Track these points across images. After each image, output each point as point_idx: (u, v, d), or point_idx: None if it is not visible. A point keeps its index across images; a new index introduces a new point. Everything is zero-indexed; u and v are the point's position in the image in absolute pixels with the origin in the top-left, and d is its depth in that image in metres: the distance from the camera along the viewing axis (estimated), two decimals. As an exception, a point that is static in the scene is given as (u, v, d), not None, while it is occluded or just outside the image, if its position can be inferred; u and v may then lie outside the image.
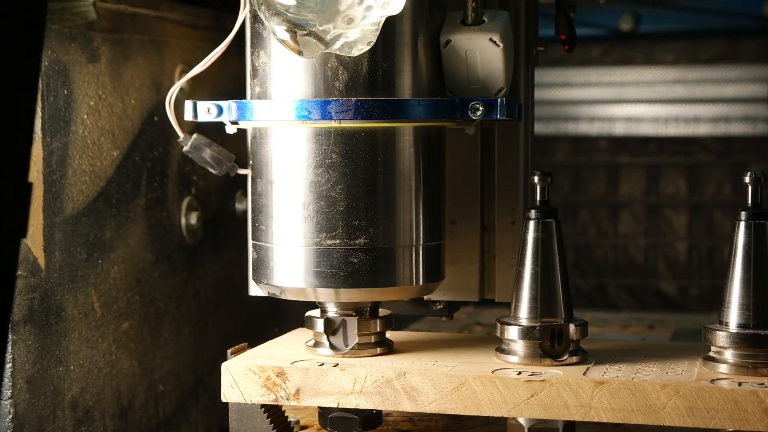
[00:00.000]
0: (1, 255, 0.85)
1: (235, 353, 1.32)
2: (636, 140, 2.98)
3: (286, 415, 1.35)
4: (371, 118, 1.23)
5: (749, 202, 1.23)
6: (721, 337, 1.22)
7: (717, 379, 1.19)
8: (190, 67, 1.59)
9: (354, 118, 1.23)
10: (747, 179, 1.23)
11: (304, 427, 1.39)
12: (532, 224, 1.27)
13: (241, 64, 1.63)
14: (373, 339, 1.33)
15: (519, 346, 1.27)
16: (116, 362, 1.44)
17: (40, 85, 1.28)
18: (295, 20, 1.17)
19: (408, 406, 1.23)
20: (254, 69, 1.31)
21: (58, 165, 1.33)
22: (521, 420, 1.23)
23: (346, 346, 1.31)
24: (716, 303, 1.28)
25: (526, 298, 1.27)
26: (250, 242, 1.35)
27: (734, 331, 1.21)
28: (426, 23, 1.28)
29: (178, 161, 1.58)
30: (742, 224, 1.23)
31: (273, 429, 1.29)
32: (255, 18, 1.30)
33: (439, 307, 1.48)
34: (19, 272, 1.27)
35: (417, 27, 1.27)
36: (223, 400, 1.29)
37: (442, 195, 1.33)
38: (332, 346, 1.31)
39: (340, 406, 1.25)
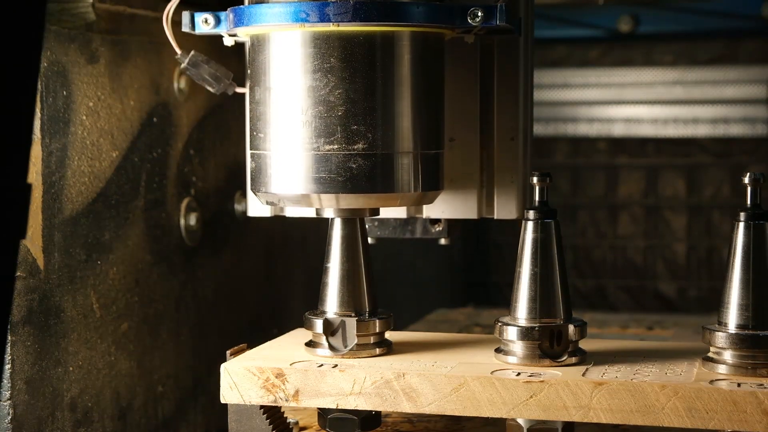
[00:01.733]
0: (1, 256, 0.85)
1: (234, 354, 1.32)
2: (635, 141, 2.98)
3: (285, 416, 1.35)
4: (370, 20, 1.22)
5: (748, 203, 1.24)
6: (720, 338, 1.22)
7: (716, 380, 1.19)
8: (189, 68, 1.59)
9: (353, 20, 1.21)
10: (746, 180, 1.23)
11: (304, 428, 1.39)
12: (531, 225, 1.27)
13: (240, 65, 1.63)
14: (372, 340, 1.33)
15: (518, 347, 1.27)
16: (115, 363, 1.44)
17: (39, 86, 1.28)
18: None
19: (407, 407, 1.23)
20: None
21: (58, 166, 1.33)
22: (520, 421, 1.23)
23: (345, 347, 1.31)
24: (715, 304, 1.28)
25: (525, 299, 1.27)
26: (249, 153, 1.33)
27: (733, 331, 1.22)
28: None
29: (177, 162, 1.58)
30: (741, 225, 1.23)
31: (272, 430, 1.29)
32: None
33: (437, 228, 1.46)
34: (18, 273, 1.27)
35: None
36: (222, 401, 1.29)
37: (441, 104, 1.32)
38: (331, 347, 1.31)
39: (339, 407, 1.25)
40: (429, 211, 1.44)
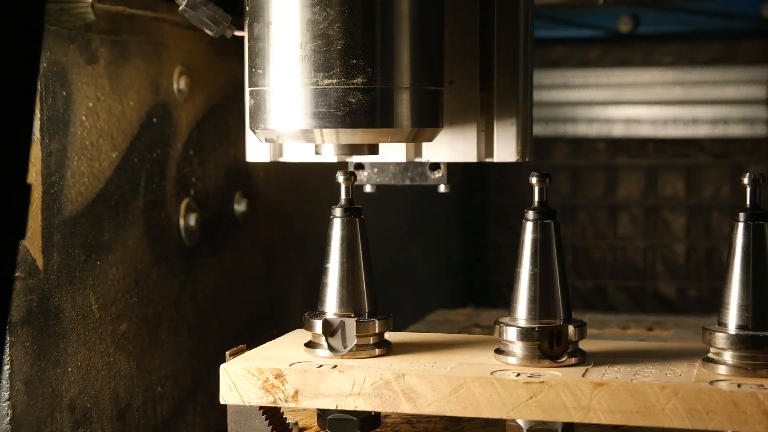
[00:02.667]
0: (0, 256, 0.84)
1: (234, 355, 1.32)
2: (634, 142, 2.98)
3: (284, 417, 1.35)
4: None
5: (748, 203, 1.23)
6: (720, 339, 1.22)
7: (716, 381, 1.19)
8: (189, 69, 1.60)
9: None
10: (745, 180, 1.23)
11: (303, 429, 1.39)
12: (530, 225, 1.27)
13: (239, 65, 1.63)
14: (371, 340, 1.33)
15: (518, 348, 1.27)
16: (114, 364, 1.44)
17: (38, 87, 1.28)
18: None
19: (407, 408, 1.23)
20: None
21: (57, 166, 1.33)
22: (520, 422, 1.23)
23: (345, 347, 1.31)
24: (715, 304, 1.28)
25: (525, 300, 1.27)
26: (247, 91, 1.32)
27: (733, 332, 1.21)
28: None
29: (176, 163, 1.58)
30: (741, 225, 1.23)
31: (271, 431, 1.29)
32: None
33: (437, 175, 1.44)
34: (17, 274, 1.27)
35: None
36: (222, 402, 1.29)
37: (441, 40, 1.31)
38: (331, 348, 1.31)
39: (339, 408, 1.25)
40: (428, 154, 1.43)
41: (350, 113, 1.23)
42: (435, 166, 1.45)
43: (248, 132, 1.45)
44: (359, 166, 1.47)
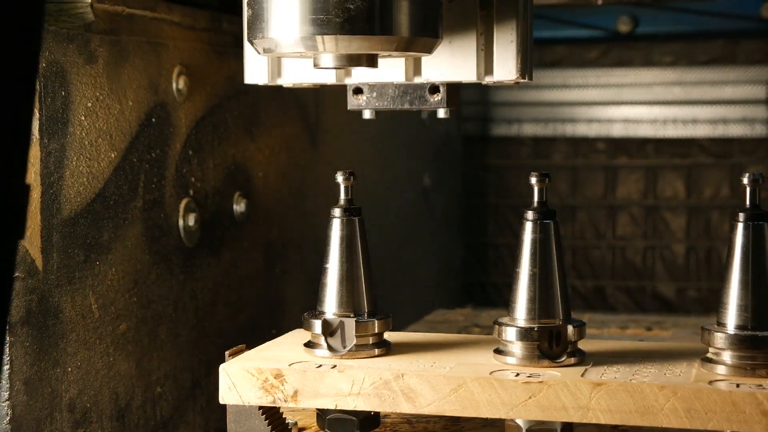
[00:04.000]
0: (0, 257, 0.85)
1: (233, 355, 1.32)
2: (634, 142, 2.98)
3: (284, 416, 1.35)
4: None
5: (747, 203, 1.23)
6: (719, 339, 1.22)
7: (715, 381, 1.19)
8: (188, 69, 1.60)
9: None
10: (745, 180, 1.23)
11: (303, 429, 1.39)
12: (530, 225, 1.27)
13: (239, 65, 1.62)
14: (371, 340, 1.33)
15: (517, 348, 1.27)
16: (114, 364, 1.44)
17: (37, 87, 1.28)
18: None
19: (406, 408, 1.23)
20: None
21: (56, 166, 1.33)
22: (519, 421, 1.23)
23: (344, 347, 1.31)
24: (714, 305, 1.28)
25: (524, 300, 1.27)
26: (245, 2, 1.30)
27: (732, 332, 1.21)
28: None
29: (175, 163, 1.58)
30: (741, 225, 1.23)
31: (271, 431, 1.29)
32: None
33: (436, 98, 1.41)
34: (17, 274, 1.27)
35: None
36: (221, 402, 1.29)
37: None
38: (330, 348, 1.31)
39: (338, 408, 1.25)
40: (427, 73, 1.40)
41: (349, 20, 1.21)
42: (434, 89, 1.41)
43: (246, 51, 1.43)
44: (358, 90, 1.44)
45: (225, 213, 1.71)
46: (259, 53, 1.30)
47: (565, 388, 1.18)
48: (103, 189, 1.42)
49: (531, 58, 1.41)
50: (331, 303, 1.33)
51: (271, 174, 1.84)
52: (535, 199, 1.28)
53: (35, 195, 1.30)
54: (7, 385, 1.26)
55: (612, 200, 3.01)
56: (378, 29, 1.23)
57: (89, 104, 1.39)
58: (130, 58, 1.47)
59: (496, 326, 1.28)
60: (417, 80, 1.41)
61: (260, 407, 1.28)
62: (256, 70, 1.44)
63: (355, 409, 1.25)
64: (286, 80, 1.44)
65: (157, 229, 1.53)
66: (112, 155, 1.44)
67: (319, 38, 1.23)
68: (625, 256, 3.02)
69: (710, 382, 1.18)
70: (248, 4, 1.28)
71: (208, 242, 1.66)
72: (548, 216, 1.27)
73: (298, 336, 1.42)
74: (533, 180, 1.28)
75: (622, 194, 3.00)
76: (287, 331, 1.47)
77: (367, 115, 1.46)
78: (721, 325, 1.23)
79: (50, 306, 1.32)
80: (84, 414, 1.38)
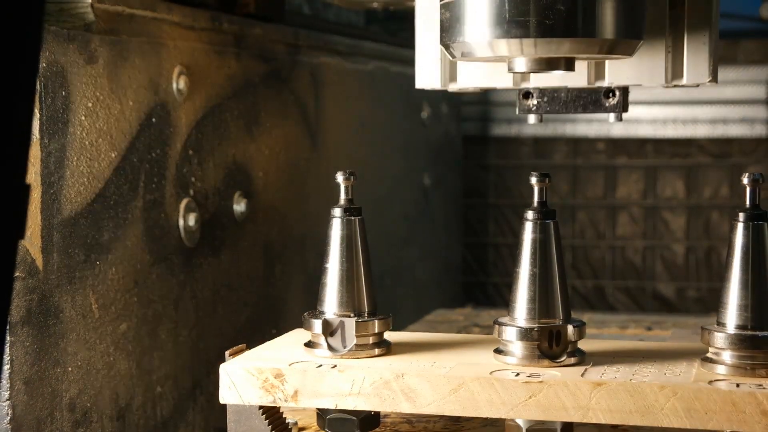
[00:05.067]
0: (0, 257, 0.85)
1: (233, 355, 1.32)
2: (634, 142, 2.98)
3: (284, 416, 1.35)
4: None
5: (747, 203, 1.24)
6: (719, 339, 1.22)
7: (715, 381, 1.19)
8: (189, 69, 1.60)
9: None
10: (745, 180, 1.23)
11: (303, 429, 1.39)
12: (530, 225, 1.27)
13: (239, 65, 1.63)
14: (371, 340, 1.33)
15: (517, 348, 1.27)
16: (114, 364, 1.44)
17: (38, 87, 1.28)
18: None
19: (406, 408, 1.23)
20: None
21: (56, 167, 1.33)
22: (519, 421, 1.23)
23: (344, 347, 1.31)
24: (714, 304, 1.28)
25: (524, 300, 1.27)
26: (440, 4, 1.26)
27: (732, 332, 1.21)
28: None
29: (176, 163, 1.58)
30: (740, 225, 1.23)
31: (271, 430, 1.29)
32: None
33: (612, 102, 1.37)
34: (17, 274, 1.27)
35: None
36: (221, 401, 1.29)
37: None
38: (330, 348, 1.31)
39: (339, 408, 1.25)
40: (611, 77, 1.35)
41: (550, 22, 1.17)
42: (609, 93, 1.37)
43: (418, 56, 1.39)
44: (527, 95, 1.39)
45: (225, 213, 1.72)
46: (453, 58, 1.27)
47: (565, 388, 1.18)
48: (104, 189, 1.42)
49: (717, 59, 1.36)
50: (331, 303, 1.33)
51: (271, 174, 1.85)
52: (535, 199, 1.28)
53: (35, 195, 1.30)
54: (8, 385, 1.26)
55: (612, 200, 3.01)
56: (580, 31, 1.19)
57: (89, 104, 1.39)
58: (131, 58, 1.47)
59: (496, 326, 1.28)
60: (599, 84, 1.37)
61: (260, 407, 1.28)
62: (428, 75, 1.42)
63: (355, 408, 1.25)
64: (461, 85, 1.41)
65: (157, 229, 1.53)
66: (113, 155, 1.44)
67: (517, 41, 1.19)
68: (624, 256, 3.02)
69: (710, 382, 1.18)
70: (444, 6, 1.25)
71: (208, 242, 1.66)
72: (548, 216, 1.27)
73: (298, 336, 1.42)
74: (533, 180, 1.28)
75: (622, 194, 3.01)
76: (287, 331, 1.47)
77: (532, 120, 1.41)
78: (721, 324, 1.23)
79: (50, 306, 1.32)
80: (84, 414, 1.38)
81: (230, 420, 1.29)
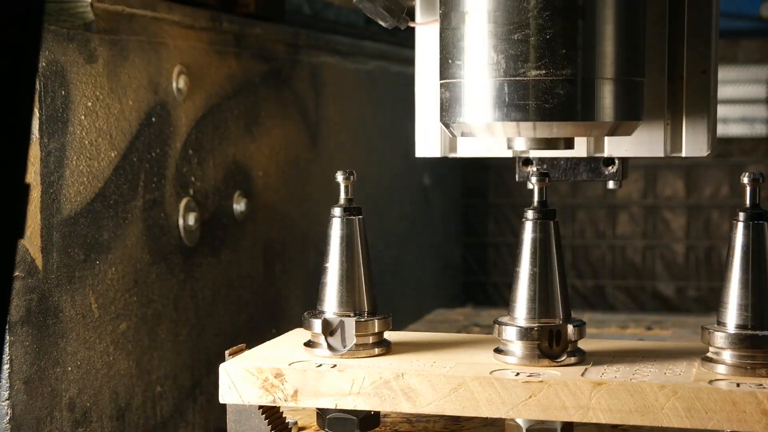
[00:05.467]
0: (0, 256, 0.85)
1: (233, 354, 1.32)
2: (634, 141, 2.98)
3: (284, 416, 1.35)
4: None
5: (747, 202, 1.23)
6: (719, 338, 1.22)
7: (715, 380, 1.19)
8: (188, 68, 1.60)
9: None
10: (745, 180, 1.23)
11: (303, 428, 1.39)
12: (530, 225, 1.27)
13: (238, 65, 1.63)
14: (371, 340, 1.33)
15: (517, 347, 1.27)
16: (114, 363, 1.44)
17: (37, 86, 1.28)
18: None
19: (406, 407, 1.23)
20: None
21: (56, 166, 1.33)
22: (519, 421, 1.23)
23: (344, 347, 1.31)
24: (714, 304, 1.28)
25: (524, 299, 1.27)
26: (439, 83, 1.29)
27: (732, 331, 1.21)
28: None
29: (176, 162, 1.58)
30: (741, 225, 1.23)
31: (271, 430, 1.29)
32: None
33: (611, 170, 1.39)
34: (16, 273, 1.27)
35: None
36: (221, 401, 1.29)
37: (643, 28, 1.27)
38: (330, 347, 1.31)
39: (338, 407, 1.25)
40: (610, 149, 1.36)
41: (556, 105, 1.19)
42: (609, 161, 1.39)
43: (418, 124, 1.41)
44: (527, 162, 1.41)
45: (225, 212, 1.71)
46: (452, 135, 1.28)
47: (565, 388, 1.18)
48: (103, 188, 1.42)
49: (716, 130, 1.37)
50: (331, 302, 1.33)
51: (271, 173, 1.85)
52: (535, 198, 1.28)
53: (35, 194, 1.30)
54: (7, 385, 1.26)
55: (612, 200, 3.01)
56: (579, 115, 1.21)
57: (89, 104, 1.39)
58: (130, 57, 1.47)
59: (496, 326, 1.28)
60: (598, 154, 1.38)
61: (260, 407, 1.28)
62: (428, 144, 1.44)
63: (355, 408, 1.25)
64: (460, 154, 1.42)
65: (157, 228, 1.53)
66: (112, 155, 1.44)
67: (517, 124, 1.21)
68: (624, 255, 3.02)
69: (710, 382, 1.18)
70: (444, 86, 1.27)
71: (208, 242, 1.66)
72: (548, 216, 1.27)
73: (298, 335, 1.42)
74: (533, 180, 1.27)
75: (622, 194, 3.00)
76: (287, 331, 1.47)
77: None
78: (721, 324, 1.23)
79: (50, 305, 1.32)
80: (84, 413, 1.38)
81: (230, 420, 1.29)
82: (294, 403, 1.25)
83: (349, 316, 1.32)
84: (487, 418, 1.31)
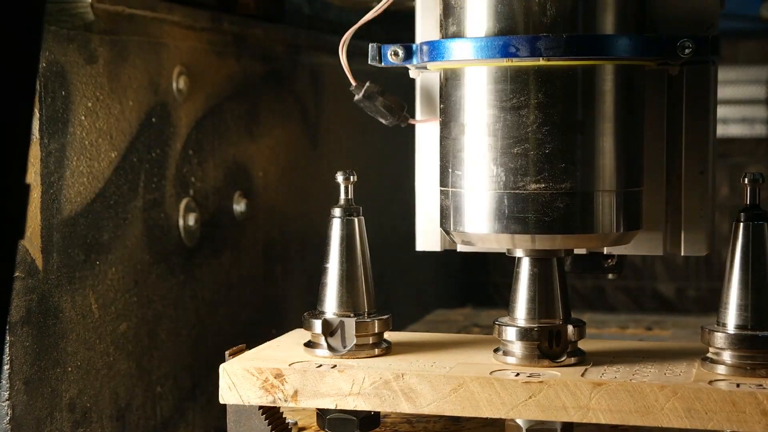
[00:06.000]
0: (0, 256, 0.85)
1: (233, 355, 1.32)
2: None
3: (284, 416, 1.35)
4: (582, 54, 1.19)
5: (747, 203, 1.24)
6: (719, 339, 1.22)
7: (715, 381, 1.19)
8: (189, 69, 1.60)
9: (564, 55, 1.18)
10: (745, 180, 1.23)
11: (303, 429, 1.39)
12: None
13: (238, 65, 1.63)
14: (371, 340, 1.33)
15: (517, 348, 1.27)
16: (114, 364, 1.44)
17: (38, 87, 1.28)
18: None
19: (406, 408, 1.23)
20: (448, 7, 1.26)
21: (56, 166, 1.33)
22: (519, 421, 1.23)
23: (344, 347, 1.31)
24: (714, 304, 1.28)
25: (524, 300, 1.27)
26: (439, 190, 1.30)
27: (732, 332, 1.21)
28: None
29: (176, 163, 1.58)
30: (741, 225, 1.23)
31: (271, 430, 1.29)
32: None
33: (610, 263, 1.40)
34: (16, 274, 1.27)
35: None
36: (221, 401, 1.29)
37: (642, 139, 1.28)
38: (330, 348, 1.31)
39: (339, 408, 1.25)
40: (610, 247, 1.37)
41: (556, 218, 1.21)
42: (608, 256, 1.41)
43: (418, 220, 1.44)
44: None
45: (225, 213, 1.71)
46: (453, 242, 1.29)
47: (565, 388, 1.18)
48: (104, 189, 1.42)
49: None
50: (331, 303, 1.33)
51: (271, 174, 1.85)
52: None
53: (35, 195, 1.30)
54: (7, 385, 1.26)
55: (612, 200, 3.01)
56: (579, 228, 1.22)
57: (89, 104, 1.39)
58: (131, 58, 1.47)
59: (496, 326, 1.28)
60: (597, 250, 1.39)
61: (260, 407, 1.28)
62: (428, 239, 1.45)
63: (355, 408, 1.25)
64: (461, 249, 1.42)
65: (157, 228, 1.53)
66: (113, 155, 1.44)
67: (516, 236, 1.22)
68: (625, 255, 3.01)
69: (710, 382, 1.18)
70: (445, 194, 1.28)
71: (208, 242, 1.66)
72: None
73: (298, 336, 1.42)
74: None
75: (622, 194, 3.00)
76: (287, 331, 1.47)
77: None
78: (721, 324, 1.23)
79: (50, 306, 1.32)
80: (84, 414, 1.38)
81: (230, 420, 1.29)
82: (294, 403, 1.25)
83: (349, 316, 1.32)
84: (487, 419, 1.31)
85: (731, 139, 2.90)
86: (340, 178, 1.35)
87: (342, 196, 1.35)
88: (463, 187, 1.25)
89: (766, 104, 2.85)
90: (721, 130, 2.89)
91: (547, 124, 1.20)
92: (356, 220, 1.34)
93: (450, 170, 1.27)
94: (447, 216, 1.28)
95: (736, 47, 2.87)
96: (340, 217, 1.34)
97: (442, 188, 1.29)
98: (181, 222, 1.59)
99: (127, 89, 1.47)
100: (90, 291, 1.39)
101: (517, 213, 1.22)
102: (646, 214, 1.32)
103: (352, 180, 1.35)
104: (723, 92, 2.87)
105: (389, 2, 1.32)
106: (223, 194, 1.71)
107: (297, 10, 2.21)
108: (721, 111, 2.89)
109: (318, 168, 2.02)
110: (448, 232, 1.29)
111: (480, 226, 1.24)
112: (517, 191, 1.21)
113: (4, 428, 1.26)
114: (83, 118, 1.38)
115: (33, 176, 1.29)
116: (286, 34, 1.90)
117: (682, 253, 1.37)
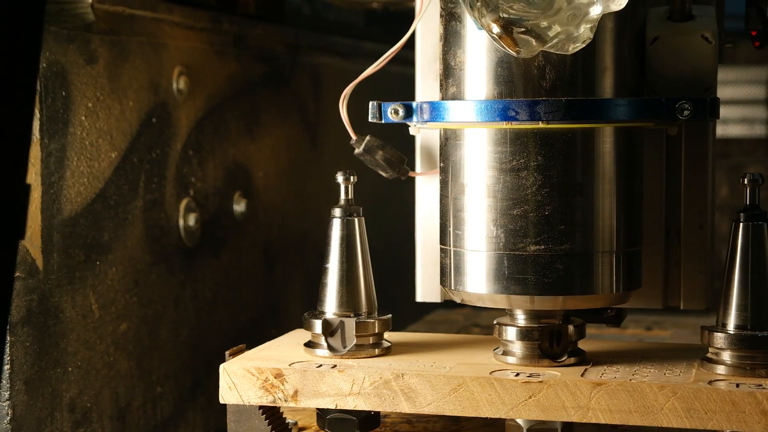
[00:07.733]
0: (0, 257, 0.85)
1: (233, 355, 1.32)
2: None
3: (284, 416, 1.35)
4: (581, 118, 1.19)
5: (747, 203, 1.24)
6: (718, 339, 1.22)
7: (715, 381, 1.19)
8: (189, 69, 1.60)
9: (563, 119, 1.19)
10: (745, 181, 1.23)
11: (303, 429, 1.39)
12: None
13: (238, 66, 1.63)
14: (371, 340, 1.33)
15: (517, 347, 1.27)
16: (114, 364, 1.44)
17: (38, 87, 1.28)
18: (512, 18, 1.14)
19: (406, 408, 1.23)
20: (448, 68, 1.27)
21: (56, 167, 1.33)
22: (519, 421, 1.23)
23: (344, 347, 1.31)
24: (713, 305, 1.28)
25: (524, 300, 1.27)
26: (439, 248, 1.31)
27: (732, 332, 1.22)
28: (630, 19, 1.24)
29: (176, 163, 1.58)
30: (741, 225, 1.23)
31: (271, 430, 1.29)
32: (450, 16, 1.26)
33: (610, 314, 1.40)
34: (17, 274, 1.27)
35: (621, 23, 1.23)
36: (221, 401, 1.29)
37: (641, 199, 1.29)
38: (330, 348, 1.31)
39: (339, 408, 1.25)
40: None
41: (555, 279, 1.21)
42: (608, 308, 1.40)
43: (418, 271, 1.46)
44: None
45: (225, 213, 1.72)
46: (455, 300, 1.30)
47: (565, 388, 1.18)
48: (104, 189, 1.42)
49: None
50: (331, 303, 1.33)
51: (271, 174, 1.85)
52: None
53: (35, 195, 1.30)
54: (8, 385, 1.26)
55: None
56: (578, 290, 1.23)
57: (90, 104, 1.39)
58: (131, 58, 1.47)
59: (497, 326, 1.29)
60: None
61: (260, 407, 1.29)
62: (430, 291, 1.47)
63: (355, 408, 1.25)
64: (460, 299, 1.40)
65: (157, 229, 1.53)
66: (113, 155, 1.44)
67: (516, 297, 1.23)
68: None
69: (710, 382, 1.18)
70: (446, 252, 1.29)
71: (208, 242, 1.66)
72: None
73: (298, 336, 1.42)
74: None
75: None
76: (287, 331, 1.47)
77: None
78: (720, 324, 1.23)
79: (50, 306, 1.32)
80: (84, 414, 1.38)
81: (230, 420, 1.29)
82: (294, 403, 1.26)
83: (349, 316, 1.32)
84: (487, 419, 1.32)
85: (731, 139, 2.90)
86: (340, 178, 1.35)
87: (342, 196, 1.35)
88: (463, 246, 1.26)
89: (765, 104, 2.85)
90: (721, 131, 2.89)
91: (546, 185, 1.21)
92: (356, 220, 1.34)
93: (450, 229, 1.28)
94: (447, 274, 1.29)
95: (736, 47, 2.87)
96: (340, 217, 1.34)
97: (443, 246, 1.30)
98: (181, 222, 1.59)
99: (128, 89, 1.47)
100: (90, 291, 1.40)
101: (517, 274, 1.22)
102: (645, 267, 1.32)
103: (352, 180, 1.35)
104: (723, 92, 2.87)
105: (391, 56, 1.33)
106: (223, 194, 1.71)
107: (297, 10, 2.21)
108: (721, 111, 2.89)
109: (318, 168, 2.02)
110: (450, 291, 1.30)
111: (480, 286, 1.25)
112: (516, 252, 1.22)
113: (4, 428, 1.26)
114: (83, 118, 1.38)
115: (33, 176, 1.29)
116: (286, 35, 1.90)
117: (681, 307, 1.38)
